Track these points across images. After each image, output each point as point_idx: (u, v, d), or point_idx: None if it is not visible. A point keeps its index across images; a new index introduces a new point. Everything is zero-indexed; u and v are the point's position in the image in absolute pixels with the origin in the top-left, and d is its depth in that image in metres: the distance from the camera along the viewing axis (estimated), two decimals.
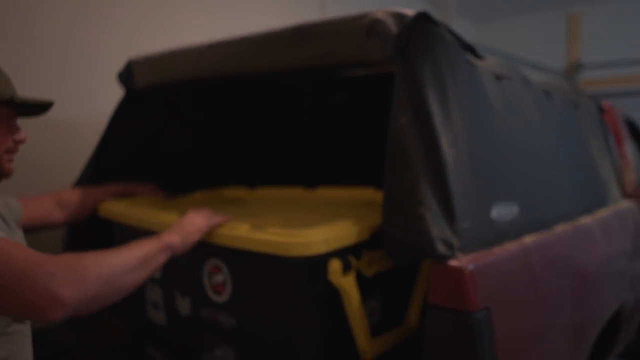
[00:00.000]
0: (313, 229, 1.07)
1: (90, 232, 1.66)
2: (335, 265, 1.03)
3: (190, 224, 1.16)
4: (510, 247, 1.14)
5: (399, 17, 1.13)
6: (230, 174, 2.06)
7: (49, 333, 1.65)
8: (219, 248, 1.18)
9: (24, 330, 1.06)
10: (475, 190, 1.10)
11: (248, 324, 1.18)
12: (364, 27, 1.16)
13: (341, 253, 1.06)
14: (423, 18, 1.13)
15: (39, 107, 1.17)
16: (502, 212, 1.17)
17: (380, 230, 1.08)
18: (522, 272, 1.13)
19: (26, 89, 1.19)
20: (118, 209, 1.48)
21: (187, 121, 1.98)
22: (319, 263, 1.05)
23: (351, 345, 1.11)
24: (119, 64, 1.80)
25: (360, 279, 1.10)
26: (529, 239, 1.21)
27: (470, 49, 1.26)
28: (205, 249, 1.19)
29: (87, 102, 2.12)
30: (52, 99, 1.16)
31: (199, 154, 2.02)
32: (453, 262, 0.97)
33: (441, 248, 0.98)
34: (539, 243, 1.22)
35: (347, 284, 1.05)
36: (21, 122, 1.14)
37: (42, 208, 1.42)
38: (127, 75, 1.75)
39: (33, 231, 1.35)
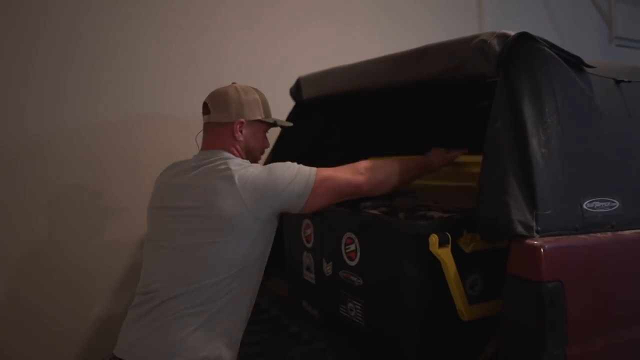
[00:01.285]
0: None
1: None
2: (433, 238, 1.30)
3: (437, 153, 1.68)
4: (602, 236, 1.27)
5: (502, 37, 1.34)
6: None
7: None
8: (352, 223, 1.54)
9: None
10: (564, 184, 1.27)
11: (371, 283, 1.52)
12: (474, 47, 1.40)
13: (440, 229, 1.32)
14: (524, 37, 1.33)
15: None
16: (597, 205, 1.31)
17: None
18: (607, 260, 1.25)
19: None
20: None
21: (340, 129, 2.37)
22: (423, 237, 1.32)
23: (453, 308, 1.35)
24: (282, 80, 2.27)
25: (461, 254, 1.34)
26: (628, 233, 1.32)
27: (575, 60, 1.40)
28: (343, 224, 1.56)
29: None
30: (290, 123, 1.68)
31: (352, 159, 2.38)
32: (530, 241, 1.17)
33: (519, 229, 1.18)
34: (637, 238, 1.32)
35: (444, 255, 1.30)
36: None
37: None
38: (296, 90, 2.21)
39: None
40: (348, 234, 1.59)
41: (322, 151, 2.34)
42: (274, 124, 1.59)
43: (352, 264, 1.58)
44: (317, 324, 1.81)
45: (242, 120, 1.49)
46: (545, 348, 1.13)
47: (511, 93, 1.31)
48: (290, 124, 1.66)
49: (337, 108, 2.31)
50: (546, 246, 1.16)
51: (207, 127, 1.53)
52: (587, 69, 1.46)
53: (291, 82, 2.24)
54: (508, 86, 1.31)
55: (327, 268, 1.71)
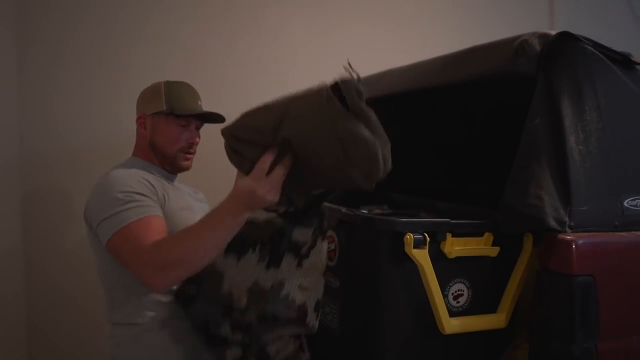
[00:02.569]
0: None
1: None
2: (408, 238, 1.18)
3: (256, 195, 1.05)
4: None
5: (543, 37, 1.36)
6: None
7: None
8: (332, 220, 1.42)
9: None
10: (603, 181, 1.27)
11: (346, 285, 1.41)
12: (516, 47, 1.43)
13: (419, 229, 1.20)
14: (565, 36, 1.35)
15: (217, 118, 1.47)
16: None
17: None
18: None
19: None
20: None
21: (395, 128, 2.39)
22: (399, 235, 1.20)
23: (433, 319, 1.24)
24: None
25: (445, 261, 1.24)
26: None
27: (622, 58, 1.39)
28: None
29: None
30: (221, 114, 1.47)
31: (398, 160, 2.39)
32: (563, 235, 1.19)
33: (552, 223, 1.19)
34: None
35: (419, 256, 1.19)
36: None
37: None
38: None
39: None
40: (329, 232, 1.45)
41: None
42: (171, 113, 1.40)
43: (332, 264, 1.46)
44: None
45: (141, 114, 1.46)
46: (574, 341, 1.14)
47: (550, 91, 1.32)
48: (195, 112, 1.44)
49: (393, 109, 2.35)
50: (579, 241, 1.17)
51: None
52: (639, 67, 1.44)
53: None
54: (547, 85, 1.33)
55: None
